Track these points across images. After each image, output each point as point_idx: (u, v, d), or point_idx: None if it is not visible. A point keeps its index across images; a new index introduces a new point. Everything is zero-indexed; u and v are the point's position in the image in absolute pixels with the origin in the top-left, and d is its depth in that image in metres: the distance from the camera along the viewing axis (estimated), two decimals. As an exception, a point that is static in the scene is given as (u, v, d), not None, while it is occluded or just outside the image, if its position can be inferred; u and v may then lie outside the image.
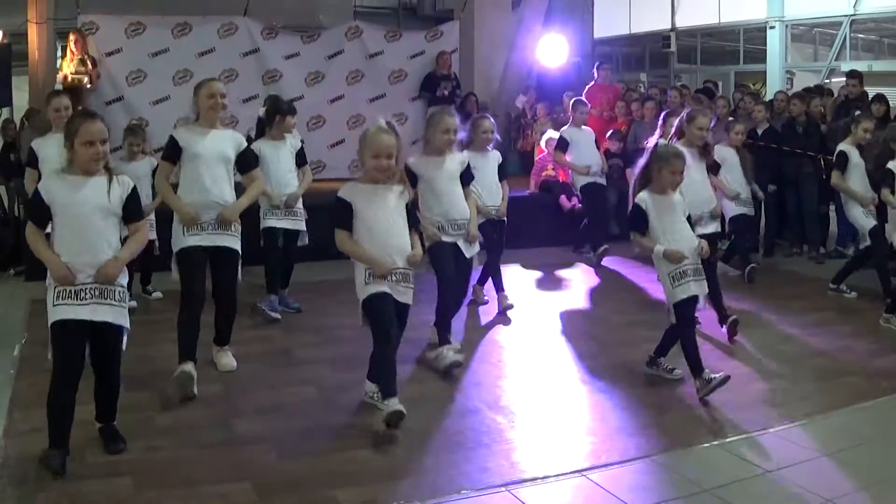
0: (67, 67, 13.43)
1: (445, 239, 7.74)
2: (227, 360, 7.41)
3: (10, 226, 11.86)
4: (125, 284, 5.64)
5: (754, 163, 11.13)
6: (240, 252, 7.25)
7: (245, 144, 7.36)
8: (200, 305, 7.08)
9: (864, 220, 9.76)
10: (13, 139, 12.86)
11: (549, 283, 11.17)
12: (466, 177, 7.98)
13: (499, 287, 9.67)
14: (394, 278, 6.14)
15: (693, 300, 6.90)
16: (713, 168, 9.23)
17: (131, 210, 5.62)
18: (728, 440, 5.97)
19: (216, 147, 7.10)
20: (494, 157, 9.26)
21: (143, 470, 5.36)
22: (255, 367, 7.40)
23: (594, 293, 10.50)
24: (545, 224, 12.98)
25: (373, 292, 6.10)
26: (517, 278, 11.16)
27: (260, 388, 6.89)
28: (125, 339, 5.64)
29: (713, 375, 6.75)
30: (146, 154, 9.76)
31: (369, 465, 5.52)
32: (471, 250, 7.98)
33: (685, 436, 6.06)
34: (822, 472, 5.47)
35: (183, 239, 7.02)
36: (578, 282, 11.24)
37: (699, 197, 8.45)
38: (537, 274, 11.51)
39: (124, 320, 5.57)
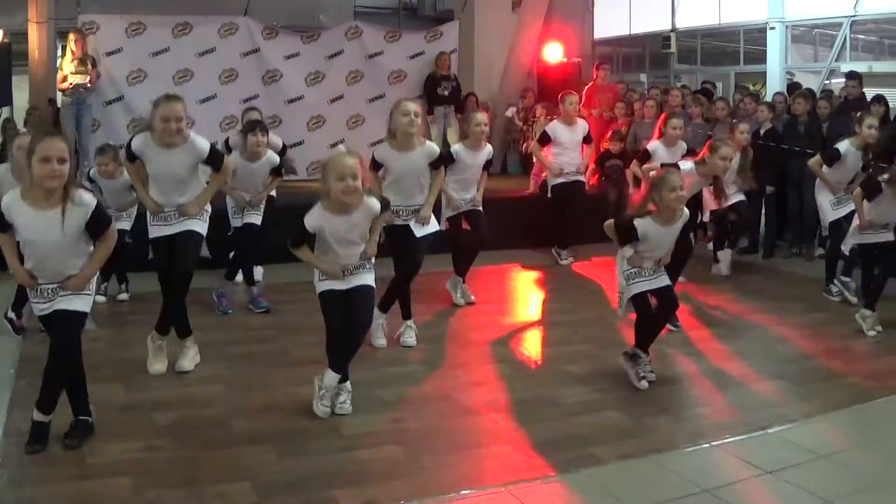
0: (67, 67, 13.42)
1: (398, 222, 7.94)
2: (186, 360, 7.39)
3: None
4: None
5: (755, 164, 11.17)
6: (202, 234, 7.27)
7: (206, 151, 7.10)
8: None
9: (829, 210, 9.81)
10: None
11: (548, 283, 11.16)
12: (437, 163, 8.13)
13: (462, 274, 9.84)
14: (346, 273, 6.37)
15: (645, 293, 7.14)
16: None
17: (94, 229, 5.64)
18: (727, 441, 5.97)
19: (171, 170, 7.03)
20: (487, 152, 9.45)
21: (143, 470, 5.36)
22: (254, 367, 7.40)
23: (592, 294, 10.49)
24: (544, 224, 12.95)
25: (324, 289, 6.40)
26: (516, 278, 11.17)
27: (259, 388, 6.88)
28: (86, 322, 5.81)
29: (642, 369, 7.12)
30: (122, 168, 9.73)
31: (369, 465, 5.53)
32: (421, 231, 8.09)
33: (684, 436, 6.06)
34: (821, 474, 5.47)
35: (151, 229, 7.17)
36: (576, 282, 11.25)
37: None
38: (536, 274, 11.51)
39: (80, 305, 5.70)
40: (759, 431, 6.14)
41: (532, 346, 8.33)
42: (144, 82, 14.16)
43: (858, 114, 10.74)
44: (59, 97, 14.23)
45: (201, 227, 7.23)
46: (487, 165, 9.52)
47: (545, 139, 12.03)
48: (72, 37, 13.48)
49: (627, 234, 7.01)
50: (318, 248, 6.35)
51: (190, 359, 7.33)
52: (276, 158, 9.26)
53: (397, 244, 8.03)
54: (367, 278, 6.45)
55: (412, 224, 8.03)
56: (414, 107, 7.86)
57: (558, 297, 10.42)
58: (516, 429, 6.19)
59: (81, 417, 5.87)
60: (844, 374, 7.46)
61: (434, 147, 8.17)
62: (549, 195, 12.38)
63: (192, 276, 7.15)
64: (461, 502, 5.11)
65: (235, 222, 9.21)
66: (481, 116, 9.44)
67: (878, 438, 6.09)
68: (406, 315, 8.24)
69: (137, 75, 14.25)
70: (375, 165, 7.97)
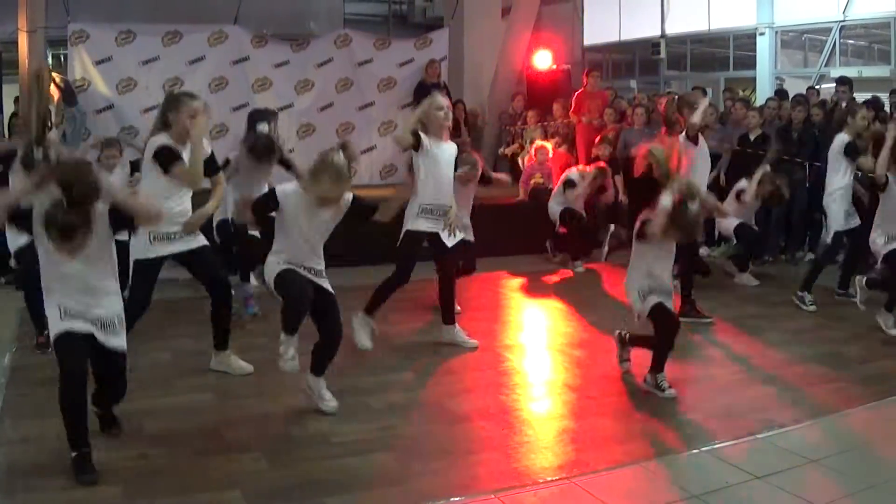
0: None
1: (424, 227, 7.96)
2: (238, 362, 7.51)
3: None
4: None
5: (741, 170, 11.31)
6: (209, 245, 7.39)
7: (210, 151, 7.22)
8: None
9: (839, 217, 9.83)
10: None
11: (538, 290, 11.18)
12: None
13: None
14: (311, 272, 6.49)
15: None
16: None
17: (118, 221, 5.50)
18: (716, 446, 5.99)
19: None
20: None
21: (134, 478, 5.36)
22: (243, 376, 7.40)
23: (583, 301, 10.50)
24: (534, 231, 12.99)
25: (283, 269, 6.43)
26: (505, 285, 11.17)
27: (249, 397, 6.89)
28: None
29: (665, 385, 7.01)
30: (118, 163, 9.76)
31: (359, 473, 5.53)
32: (451, 240, 8.11)
33: (673, 442, 6.09)
34: (810, 478, 5.49)
35: (150, 248, 7.01)
36: (567, 289, 11.25)
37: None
38: (526, 281, 11.52)
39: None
40: (749, 437, 6.16)
41: (522, 352, 8.34)
42: (134, 91, 14.16)
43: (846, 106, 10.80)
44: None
45: (205, 240, 7.35)
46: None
47: (572, 186, 12.29)
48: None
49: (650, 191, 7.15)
50: (279, 232, 6.43)
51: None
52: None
53: (411, 250, 8.05)
54: (328, 285, 6.55)
55: (442, 234, 8.05)
56: (445, 102, 7.99)
57: (548, 304, 10.44)
58: (506, 436, 6.20)
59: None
60: (833, 379, 7.49)
61: (454, 147, 8.19)
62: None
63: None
64: (451, 509, 5.13)
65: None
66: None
67: (868, 443, 6.12)
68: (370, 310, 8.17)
69: (127, 84, 14.24)
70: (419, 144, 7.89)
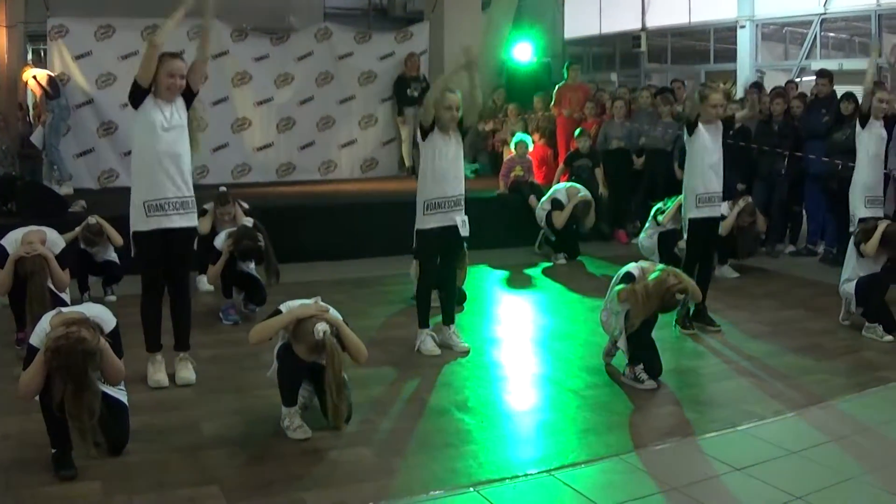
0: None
1: (436, 223, 7.75)
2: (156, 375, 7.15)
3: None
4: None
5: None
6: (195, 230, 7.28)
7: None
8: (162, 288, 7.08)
9: (860, 208, 9.69)
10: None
11: (518, 283, 11.18)
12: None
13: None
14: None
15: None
16: None
17: None
18: (697, 438, 6.00)
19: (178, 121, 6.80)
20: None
21: (112, 474, 5.33)
22: (223, 370, 7.38)
23: (563, 293, 10.51)
24: (513, 224, 13.00)
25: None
26: (485, 279, 11.16)
27: (228, 392, 6.87)
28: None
29: (644, 377, 7.05)
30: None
31: (337, 467, 5.52)
32: (465, 229, 7.92)
33: (654, 434, 6.07)
34: (791, 470, 5.49)
35: (145, 220, 6.77)
36: (547, 282, 11.26)
37: (717, 176, 8.48)
38: (505, 274, 11.51)
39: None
40: (729, 428, 6.17)
41: (501, 346, 8.33)
42: (114, 85, 14.13)
43: (876, 82, 10.72)
44: (29, 96, 14.30)
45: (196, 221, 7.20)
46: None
47: (559, 206, 12.35)
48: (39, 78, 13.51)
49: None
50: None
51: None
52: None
53: (430, 252, 7.95)
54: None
55: (458, 221, 7.81)
56: (457, 100, 7.74)
57: (528, 296, 10.44)
58: (485, 429, 6.21)
59: None
60: (814, 371, 7.50)
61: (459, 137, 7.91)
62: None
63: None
64: (430, 503, 5.11)
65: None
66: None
67: (848, 434, 6.12)
68: (424, 323, 8.09)
69: (107, 79, 14.22)
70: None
